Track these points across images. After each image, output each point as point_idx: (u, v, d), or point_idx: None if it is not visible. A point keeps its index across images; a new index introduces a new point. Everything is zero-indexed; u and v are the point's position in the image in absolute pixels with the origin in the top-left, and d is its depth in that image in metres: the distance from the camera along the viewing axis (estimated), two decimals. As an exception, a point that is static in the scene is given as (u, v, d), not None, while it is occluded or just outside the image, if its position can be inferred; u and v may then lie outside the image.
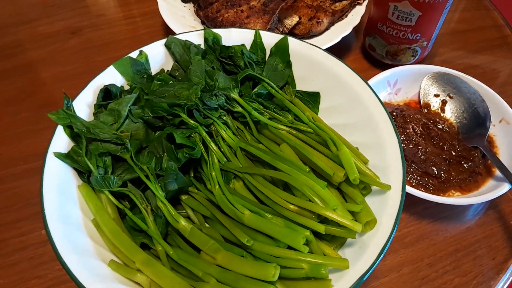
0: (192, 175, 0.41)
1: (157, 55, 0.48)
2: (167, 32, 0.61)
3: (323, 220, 0.35)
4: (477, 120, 0.50)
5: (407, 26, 0.53)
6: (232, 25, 0.55)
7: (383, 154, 0.39)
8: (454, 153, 0.48)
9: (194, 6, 0.64)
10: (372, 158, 0.40)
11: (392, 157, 0.38)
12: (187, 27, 0.59)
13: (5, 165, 0.51)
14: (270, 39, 0.49)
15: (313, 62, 0.47)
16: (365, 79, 0.52)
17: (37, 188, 0.49)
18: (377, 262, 0.32)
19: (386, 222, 0.34)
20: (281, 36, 0.48)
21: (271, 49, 0.49)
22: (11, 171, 0.50)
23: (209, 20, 0.57)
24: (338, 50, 0.62)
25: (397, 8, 0.51)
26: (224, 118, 0.43)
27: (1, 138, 0.54)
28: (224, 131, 0.42)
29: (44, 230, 0.44)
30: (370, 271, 0.32)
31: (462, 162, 0.47)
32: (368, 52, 0.61)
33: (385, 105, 0.53)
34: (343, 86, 0.45)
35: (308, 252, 0.33)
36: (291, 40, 0.48)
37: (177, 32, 0.57)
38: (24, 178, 0.50)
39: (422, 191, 0.45)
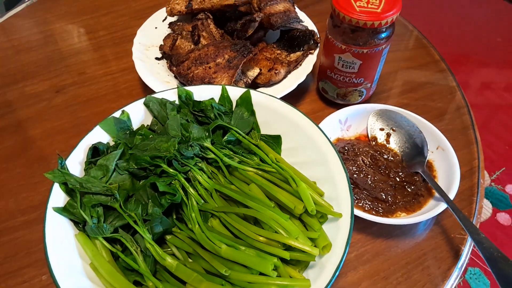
0: (174, 217, 0.47)
1: (137, 113, 0.53)
2: (144, 86, 0.67)
3: (288, 247, 0.41)
4: (416, 149, 0.57)
5: (351, 72, 0.60)
6: (201, 80, 0.61)
7: (335, 187, 0.45)
8: (398, 179, 0.55)
9: (167, 62, 0.70)
10: (326, 190, 0.46)
11: (342, 189, 0.44)
12: (162, 82, 0.65)
13: (4, 218, 0.55)
14: (235, 92, 0.55)
15: (272, 110, 0.53)
16: (321, 118, 0.60)
17: (36, 237, 0.53)
18: (334, 278, 0.38)
19: (340, 245, 0.40)
20: (245, 89, 0.54)
21: (236, 101, 0.55)
22: (11, 223, 0.54)
23: (181, 76, 0.63)
24: (297, 93, 0.69)
25: (341, 58, 0.59)
26: (200, 164, 0.49)
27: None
28: (200, 176, 0.48)
29: (45, 276, 0.49)
30: (329, 287, 0.37)
31: (406, 187, 0.54)
32: (322, 94, 0.68)
33: (338, 140, 0.61)
34: (299, 129, 0.51)
35: (276, 276, 0.39)
36: (253, 93, 0.54)
37: (153, 88, 0.64)
38: (23, 229, 0.54)
39: (373, 214, 0.51)
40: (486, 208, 0.81)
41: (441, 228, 0.55)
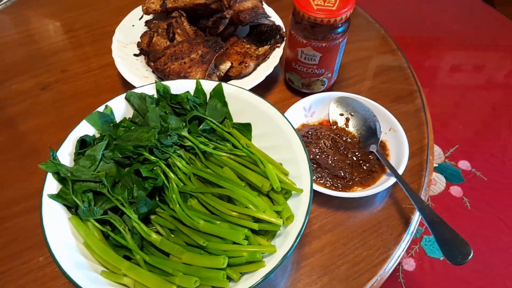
0: (157, 198, 0.51)
1: (119, 107, 0.57)
2: (124, 81, 0.70)
3: (257, 220, 0.46)
4: (371, 131, 0.63)
5: (313, 64, 0.65)
6: (177, 74, 0.66)
7: (298, 167, 0.51)
8: (355, 158, 0.61)
9: (144, 58, 0.74)
10: (291, 170, 0.52)
11: (303, 169, 0.50)
12: (141, 77, 0.69)
13: (3, 206, 0.59)
14: (208, 85, 0.60)
15: (243, 100, 0.58)
16: (288, 106, 0.65)
17: (32, 223, 0.58)
18: (296, 243, 0.43)
19: (301, 215, 0.46)
20: (217, 82, 0.59)
21: (210, 93, 0.60)
22: (9, 211, 0.58)
23: (158, 71, 0.67)
24: (267, 84, 0.74)
25: (303, 52, 0.64)
26: (178, 152, 0.54)
27: (-4, 184, 0.62)
28: (179, 162, 0.53)
29: (42, 257, 0.54)
30: (291, 251, 0.43)
31: (362, 164, 0.60)
32: (289, 84, 0.73)
33: (303, 125, 0.66)
34: (267, 118, 0.56)
35: (247, 244, 0.45)
36: (225, 85, 0.59)
37: (132, 83, 0.68)
38: (19, 216, 0.58)
39: (333, 190, 0.57)
40: (440, 183, 0.88)
41: (394, 200, 0.61)
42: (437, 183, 0.88)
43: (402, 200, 0.61)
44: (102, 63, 0.80)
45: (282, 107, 0.71)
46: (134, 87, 0.60)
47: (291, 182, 0.50)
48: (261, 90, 0.72)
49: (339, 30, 0.61)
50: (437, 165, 0.92)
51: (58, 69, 0.79)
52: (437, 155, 0.94)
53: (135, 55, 0.74)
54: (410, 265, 0.78)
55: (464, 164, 0.91)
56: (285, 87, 0.75)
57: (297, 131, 0.62)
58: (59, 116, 0.71)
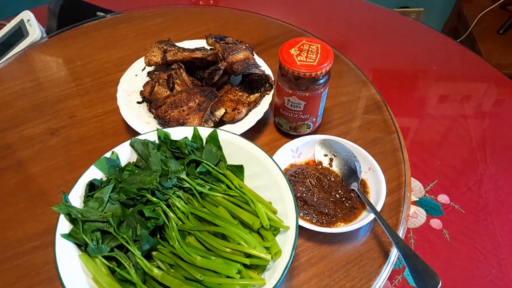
0: (158, 236, 0.56)
1: (124, 152, 0.63)
2: (127, 126, 0.76)
3: (248, 255, 0.51)
4: (352, 171, 0.69)
5: (298, 111, 0.72)
6: (177, 121, 0.72)
7: (285, 206, 0.56)
8: (338, 196, 0.66)
9: (147, 105, 0.80)
10: (279, 208, 0.57)
11: (289, 208, 0.55)
12: (144, 123, 0.75)
13: (13, 246, 0.63)
14: (204, 131, 0.65)
15: (235, 145, 0.64)
16: (277, 147, 0.71)
17: (42, 260, 0.62)
18: (283, 276, 0.48)
19: (287, 250, 0.51)
20: (212, 129, 0.65)
21: (206, 138, 0.65)
22: (20, 249, 0.62)
23: (159, 118, 0.73)
24: (258, 127, 0.80)
25: (289, 100, 0.71)
26: (177, 193, 0.59)
27: (8, 224, 0.65)
28: (178, 202, 0.58)
29: (52, 291, 0.57)
30: (278, 283, 0.47)
31: (344, 202, 0.66)
32: (278, 127, 0.80)
33: (291, 165, 0.72)
34: (256, 160, 0.62)
35: (240, 278, 0.49)
36: (219, 131, 0.65)
37: (136, 129, 0.73)
38: (30, 254, 0.62)
39: (318, 225, 0.62)
40: (421, 216, 0.93)
41: (374, 234, 0.66)
42: (418, 216, 0.93)
43: (382, 234, 0.66)
44: (106, 109, 0.86)
45: (272, 148, 0.78)
46: (137, 132, 0.66)
47: (279, 220, 0.55)
48: (252, 132, 0.78)
49: (320, 81, 0.68)
50: (417, 199, 0.97)
51: (66, 115, 0.85)
52: (418, 189, 1.00)
53: (138, 102, 0.80)
54: (393, 294, 0.83)
55: (443, 198, 0.97)
56: (274, 129, 0.82)
57: (286, 171, 0.68)
58: (67, 160, 0.76)
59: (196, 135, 0.65)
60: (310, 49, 0.68)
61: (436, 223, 0.91)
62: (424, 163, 1.04)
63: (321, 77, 0.67)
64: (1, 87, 0.92)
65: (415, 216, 0.91)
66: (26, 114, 0.85)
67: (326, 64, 0.65)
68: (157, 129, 0.65)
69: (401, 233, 0.66)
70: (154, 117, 0.77)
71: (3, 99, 0.89)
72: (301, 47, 0.68)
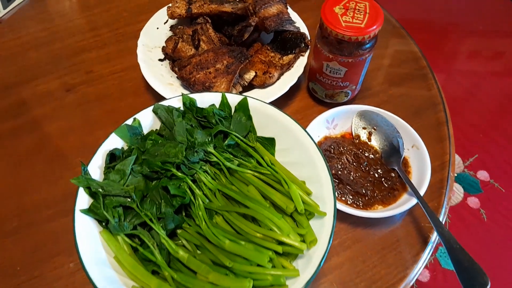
0: (184, 214, 0.53)
1: (147, 120, 0.59)
2: (147, 84, 0.71)
3: (281, 242, 0.48)
4: (393, 148, 0.64)
5: (338, 77, 0.66)
6: (202, 84, 0.67)
7: (321, 187, 0.52)
8: (377, 175, 0.62)
9: (169, 63, 0.75)
10: (314, 189, 0.53)
11: (327, 190, 0.51)
12: (166, 84, 0.70)
13: (30, 212, 0.61)
14: (233, 99, 0.60)
15: (267, 115, 0.59)
16: (311, 115, 0.66)
17: (61, 229, 0.60)
18: (319, 269, 0.45)
19: (324, 240, 0.47)
20: (242, 96, 0.60)
21: (235, 107, 0.61)
22: (38, 216, 0.61)
23: (183, 80, 0.68)
24: (289, 92, 0.74)
25: (328, 65, 0.64)
26: (204, 167, 0.55)
27: (24, 188, 0.64)
28: (205, 177, 0.54)
29: (72, 263, 0.56)
30: (314, 276, 0.45)
31: (383, 182, 0.61)
32: (312, 93, 0.74)
33: (326, 138, 0.67)
34: (290, 133, 0.57)
35: (272, 267, 0.46)
36: (250, 99, 0.60)
37: (158, 90, 0.69)
38: (48, 222, 0.60)
39: (354, 207, 0.59)
40: (458, 193, 0.89)
41: (413, 218, 0.62)
42: (455, 193, 0.88)
43: (421, 218, 0.62)
44: (125, 65, 0.81)
45: (304, 116, 0.73)
46: (158, 93, 0.61)
47: (315, 204, 0.51)
48: (283, 97, 0.73)
49: (366, 46, 0.61)
50: (455, 174, 0.92)
51: (83, 70, 0.81)
52: (457, 164, 0.94)
53: (160, 60, 0.75)
54: (424, 276, 0.80)
55: (482, 175, 0.92)
56: (307, 95, 0.76)
57: (320, 144, 0.64)
58: (84, 120, 0.73)
59: (224, 103, 0.61)
60: (357, 7, 0.60)
61: (473, 201, 0.86)
62: (464, 134, 0.98)
63: (367, 41, 0.61)
64: (13, 36, 0.88)
65: (453, 193, 0.86)
66: (40, 67, 0.81)
67: (375, 26, 0.58)
68: (182, 94, 0.60)
69: (441, 218, 0.62)
70: (177, 77, 0.71)
71: (15, 49, 0.85)
72: (347, 4, 0.61)
